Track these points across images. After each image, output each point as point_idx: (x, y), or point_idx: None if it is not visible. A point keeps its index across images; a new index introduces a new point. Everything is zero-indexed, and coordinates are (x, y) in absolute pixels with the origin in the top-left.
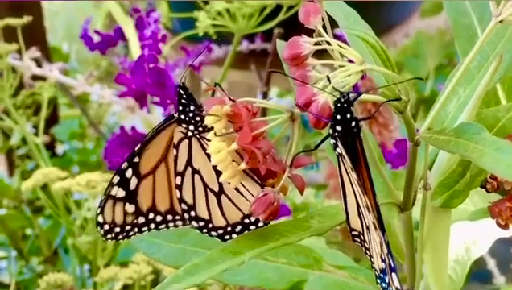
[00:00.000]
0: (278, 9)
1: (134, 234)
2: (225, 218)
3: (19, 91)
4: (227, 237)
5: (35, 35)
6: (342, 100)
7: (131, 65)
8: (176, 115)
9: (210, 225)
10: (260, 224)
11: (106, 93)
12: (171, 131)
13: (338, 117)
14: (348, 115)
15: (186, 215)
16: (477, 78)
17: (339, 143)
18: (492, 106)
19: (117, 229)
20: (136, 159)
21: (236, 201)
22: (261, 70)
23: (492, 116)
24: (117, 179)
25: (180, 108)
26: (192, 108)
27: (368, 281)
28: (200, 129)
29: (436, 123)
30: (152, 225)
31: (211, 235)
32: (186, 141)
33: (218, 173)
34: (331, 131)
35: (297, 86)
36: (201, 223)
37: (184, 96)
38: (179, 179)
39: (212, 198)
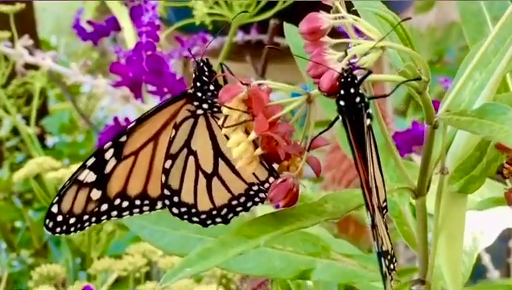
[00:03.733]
0: (274, 0)
1: (90, 225)
2: (212, 201)
3: (10, 81)
4: (209, 221)
5: (25, 27)
6: (345, 74)
7: (127, 53)
8: (191, 91)
9: (193, 211)
10: (249, 204)
11: (100, 83)
12: (174, 110)
13: (342, 92)
14: (352, 90)
15: (167, 201)
16: (494, 62)
17: (344, 119)
18: (501, 92)
19: (72, 221)
20: (123, 138)
21: (228, 182)
22: (256, 62)
23: (506, 101)
24: (91, 161)
25: (198, 84)
26: (211, 87)
27: (377, 270)
28: (215, 109)
29: (453, 107)
30: (114, 213)
31: (192, 221)
32: (191, 120)
33: (217, 154)
34: (336, 106)
35: (312, 60)
36: (183, 209)
37: (207, 73)
38: (169, 162)
39: (202, 181)
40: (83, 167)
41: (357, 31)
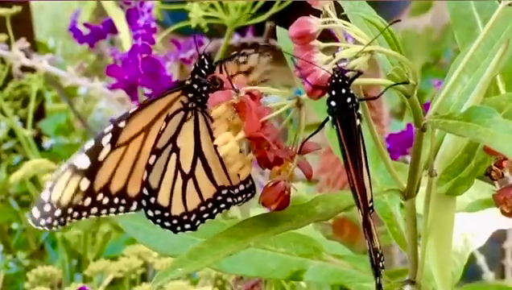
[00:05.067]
0: (270, 2)
1: (70, 221)
2: (185, 205)
3: (7, 83)
4: (179, 228)
5: (22, 29)
6: (336, 75)
7: (123, 56)
8: (188, 82)
9: (166, 214)
10: (214, 211)
11: (97, 85)
12: (170, 100)
13: (333, 92)
14: (344, 91)
15: (144, 202)
16: (482, 65)
17: (335, 119)
18: (491, 96)
19: (58, 213)
20: (122, 124)
21: (200, 185)
22: None
23: (495, 104)
24: (90, 145)
25: (196, 77)
26: (207, 82)
27: (368, 271)
28: (207, 105)
29: (441, 110)
30: (94, 210)
31: (163, 226)
32: (182, 113)
33: (197, 153)
34: (327, 107)
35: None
36: (157, 212)
37: (206, 66)
38: (153, 157)
39: (179, 182)
40: (81, 151)
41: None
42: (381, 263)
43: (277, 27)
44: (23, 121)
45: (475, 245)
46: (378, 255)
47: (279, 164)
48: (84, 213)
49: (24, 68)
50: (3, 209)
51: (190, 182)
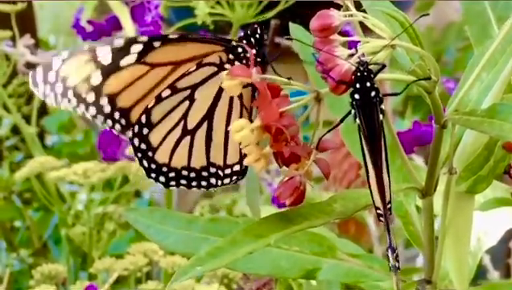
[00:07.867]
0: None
1: (66, 104)
2: (170, 158)
3: (11, 80)
4: (153, 175)
5: (25, 26)
6: (361, 68)
7: None
8: (235, 44)
9: (150, 154)
10: (193, 183)
11: None
12: (208, 50)
13: (357, 85)
14: (368, 84)
15: (136, 128)
16: (501, 62)
17: (358, 113)
18: (506, 93)
19: (58, 89)
20: (157, 44)
21: (195, 149)
22: None
23: None
24: (119, 43)
25: (244, 42)
26: (253, 51)
27: (383, 270)
28: None
29: (460, 107)
30: (92, 111)
31: (141, 163)
32: (214, 68)
33: (207, 116)
34: (350, 100)
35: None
36: (143, 146)
37: (258, 36)
38: (168, 91)
39: (177, 132)
40: (108, 43)
41: (363, 30)
42: (397, 263)
43: (290, 24)
44: (26, 118)
45: (488, 244)
46: (395, 255)
47: (296, 162)
48: (82, 107)
49: (28, 65)
50: (6, 207)
51: (186, 139)
